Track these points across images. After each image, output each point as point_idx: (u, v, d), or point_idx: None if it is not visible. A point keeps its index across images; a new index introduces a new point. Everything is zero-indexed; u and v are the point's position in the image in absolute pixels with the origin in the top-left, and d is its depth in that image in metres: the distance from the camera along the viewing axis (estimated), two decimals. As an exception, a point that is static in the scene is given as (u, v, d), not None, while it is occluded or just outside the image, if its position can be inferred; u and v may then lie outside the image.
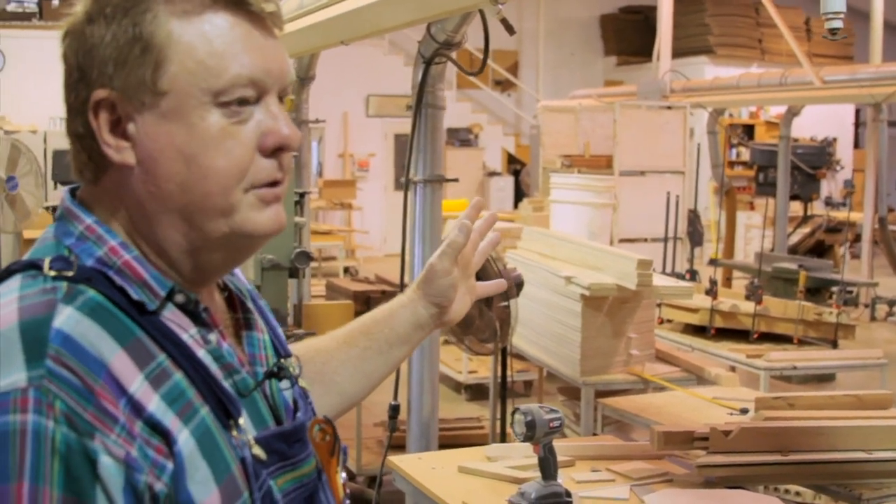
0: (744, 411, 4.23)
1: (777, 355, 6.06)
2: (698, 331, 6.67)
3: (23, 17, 15.95)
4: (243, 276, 1.63)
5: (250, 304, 1.53)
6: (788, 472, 3.39)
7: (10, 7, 15.90)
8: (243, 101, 1.31)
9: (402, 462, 3.61)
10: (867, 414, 3.77)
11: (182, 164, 1.29)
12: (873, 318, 11.94)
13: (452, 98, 17.29)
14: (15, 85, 15.61)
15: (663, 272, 7.68)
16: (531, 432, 2.87)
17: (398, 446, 4.37)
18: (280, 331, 1.61)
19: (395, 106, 18.22)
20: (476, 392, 8.60)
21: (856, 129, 20.32)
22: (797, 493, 5.09)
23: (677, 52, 13.87)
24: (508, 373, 4.89)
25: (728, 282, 10.79)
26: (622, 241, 9.46)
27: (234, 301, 1.50)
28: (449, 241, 1.79)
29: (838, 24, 2.60)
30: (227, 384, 1.34)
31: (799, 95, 10.30)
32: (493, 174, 18.97)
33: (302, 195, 5.98)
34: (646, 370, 5.47)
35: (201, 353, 1.32)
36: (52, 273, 1.27)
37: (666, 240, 8.57)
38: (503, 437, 4.91)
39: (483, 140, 19.41)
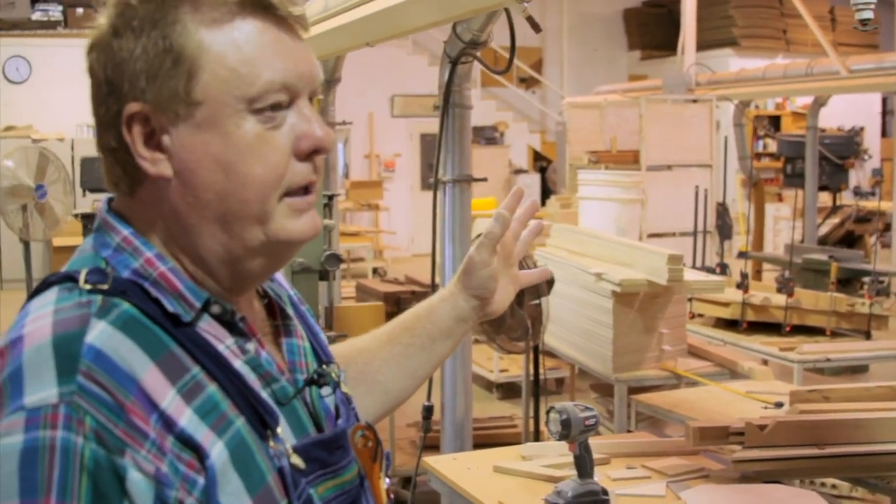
0: (778, 405, 4.21)
1: (810, 347, 6.03)
2: (730, 325, 6.63)
3: (48, 26, 16.03)
4: (286, 281, 1.62)
5: (290, 311, 1.52)
6: (825, 465, 3.36)
7: (36, 16, 15.98)
8: (277, 107, 1.31)
9: (437, 463, 3.61)
10: (903, 405, 3.75)
11: (220, 173, 1.29)
12: (905, 308, 11.86)
13: (477, 96, 17.29)
14: (41, 93, 15.71)
15: (693, 266, 7.64)
16: (567, 431, 2.87)
17: (432, 447, 4.37)
18: (322, 336, 1.60)
19: (419, 106, 18.23)
20: (507, 391, 8.60)
21: (883, 117, 20.21)
22: (833, 486, 5.07)
23: (701, 45, 13.82)
24: (540, 371, 4.87)
25: (758, 274, 10.74)
26: (650, 235, 9.43)
27: (273, 308, 1.49)
28: (486, 233, 1.77)
29: (869, 14, 2.59)
30: (264, 393, 1.33)
31: (825, 85, 10.24)
32: (519, 172, 18.94)
33: (330, 197, 5.98)
34: (678, 365, 5.45)
35: (238, 364, 1.32)
36: (88, 286, 1.27)
37: (695, 234, 8.53)
38: (537, 436, 4.90)
39: (508, 138, 19.39)
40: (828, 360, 6.03)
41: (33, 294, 1.32)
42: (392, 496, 1.53)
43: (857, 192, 16.97)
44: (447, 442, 4.05)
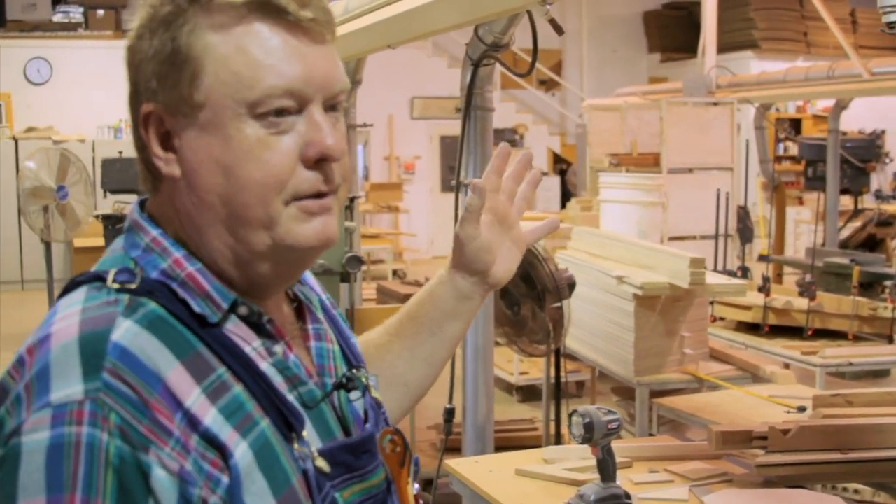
0: (801, 409, 4.20)
1: (832, 352, 6.00)
2: (751, 328, 6.61)
3: (69, 28, 16.12)
4: (318, 285, 1.62)
5: (321, 315, 1.52)
6: (848, 470, 3.35)
7: (57, 18, 16.06)
8: (282, 112, 1.30)
9: (459, 465, 3.60)
10: (927, 410, 3.73)
11: (221, 175, 1.30)
12: (928, 312, 11.77)
13: (497, 98, 17.20)
14: (62, 95, 15.79)
15: (714, 269, 7.62)
16: (589, 434, 2.86)
17: (452, 449, 4.36)
18: (353, 340, 1.60)
19: (439, 108, 18.23)
20: (528, 393, 8.59)
21: (904, 121, 20.12)
22: (855, 491, 5.05)
23: (722, 48, 13.77)
24: (561, 374, 4.87)
25: (779, 278, 10.70)
26: (671, 239, 9.41)
27: (303, 312, 1.49)
28: (466, 206, 1.73)
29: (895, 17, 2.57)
30: (291, 396, 1.34)
31: (847, 88, 10.18)
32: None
33: (352, 200, 5.99)
34: (700, 369, 5.44)
35: (264, 366, 1.32)
36: (116, 286, 1.28)
37: (716, 237, 8.51)
38: (558, 439, 4.89)
39: (528, 140, 19.36)
40: (850, 364, 6.01)
41: (63, 293, 1.33)
42: (421, 502, 1.52)
43: (879, 196, 16.89)
44: (468, 444, 4.04)
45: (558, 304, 4.47)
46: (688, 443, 3.75)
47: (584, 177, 12.79)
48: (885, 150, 17.07)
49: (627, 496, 2.96)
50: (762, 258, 9.90)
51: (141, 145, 1.36)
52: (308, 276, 1.61)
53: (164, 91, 1.31)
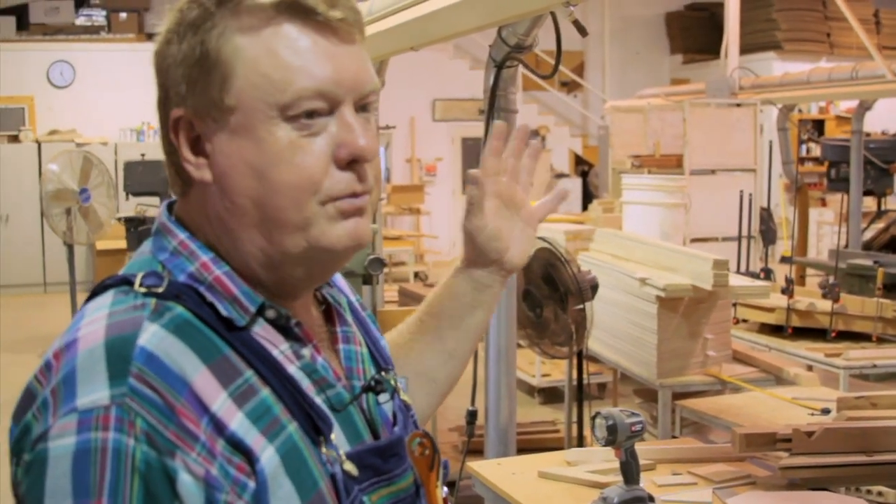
0: (825, 411, 4.18)
1: (856, 353, 5.98)
2: (775, 330, 6.58)
3: (91, 31, 16.19)
4: (348, 287, 1.62)
5: (349, 317, 1.52)
6: (873, 472, 3.33)
7: (79, 21, 16.13)
8: (314, 114, 1.29)
9: (482, 468, 3.60)
10: (952, 412, 3.71)
11: (253, 179, 1.29)
12: (951, 314, 11.71)
13: (519, 100, 17.24)
14: (85, 98, 15.87)
15: (737, 271, 7.60)
16: (613, 436, 2.85)
17: (474, 451, 4.36)
18: (383, 343, 1.60)
19: (461, 110, 18.22)
20: (549, 395, 8.59)
21: (928, 121, 20.03)
22: (879, 493, 5.01)
23: (744, 49, 13.74)
24: (584, 376, 4.86)
25: (801, 279, 10.67)
26: (693, 240, 9.39)
27: (332, 314, 1.49)
28: (467, 199, 1.73)
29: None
30: (318, 399, 1.33)
31: (871, 89, 10.14)
32: (560, 176, 18.88)
33: (374, 202, 5.98)
34: (723, 371, 5.43)
35: (292, 369, 1.32)
36: (143, 290, 1.28)
37: (739, 238, 8.49)
38: (580, 441, 4.88)
39: (550, 142, 19.33)
40: (874, 366, 5.98)
41: (90, 296, 1.33)
42: None
43: (902, 197, 16.81)
44: (491, 447, 4.04)
45: (581, 306, 4.46)
46: (711, 445, 3.74)
47: (606, 178, 12.77)
48: (909, 151, 16.97)
49: (651, 498, 2.96)
50: (785, 260, 9.86)
51: (171, 150, 1.36)
52: (337, 277, 1.61)
53: (194, 95, 1.31)
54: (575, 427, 5.05)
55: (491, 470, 3.58)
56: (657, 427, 5.52)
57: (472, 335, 1.80)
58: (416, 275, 15.23)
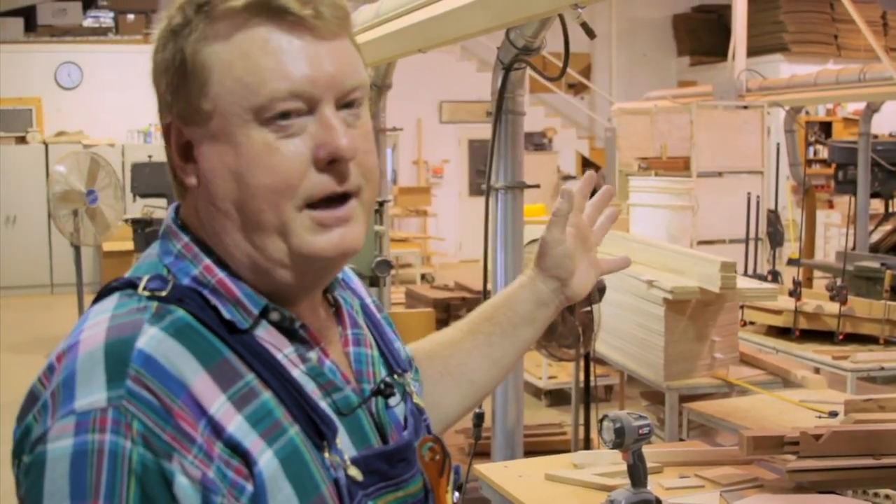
0: (833, 414, 4.17)
1: (863, 356, 5.96)
2: (782, 332, 6.57)
3: (99, 32, 16.20)
4: (363, 289, 1.62)
5: (361, 320, 1.51)
6: (880, 476, 3.32)
7: (87, 22, 16.15)
8: (289, 115, 1.28)
9: (489, 470, 3.60)
10: (960, 415, 3.70)
11: (233, 183, 1.29)
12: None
13: (526, 102, 17.24)
14: (92, 99, 15.87)
15: (744, 273, 7.59)
16: (620, 439, 2.84)
17: (481, 453, 4.36)
18: (397, 346, 1.60)
19: (467, 112, 18.23)
20: (556, 398, 8.57)
21: (936, 123, 20.00)
22: (886, 497, 5.01)
23: (752, 51, 13.73)
24: (591, 378, 4.85)
25: (809, 282, 10.65)
26: (700, 243, 9.39)
27: (342, 316, 1.49)
28: (554, 210, 1.76)
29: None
30: (324, 403, 1.33)
31: (879, 91, 10.14)
32: (567, 178, 18.88)
33: (381, 204, 5.99)
34: (730, 373, 5.42)
35: (296, 373, 1.32)
36: (146, 293, 1.28)
37: (747, 241, 8.48)
38: (587, 444, 4.88)
39: (557, 144, 19.34)
40: (881, 368, 5.96)
41: (97, 299, 1.33)
42: None
43: (909, 199, 16.78)
44: (498, 449, 4.03)
45: (588, 309, 4.45)
46: (718, 448, 3.74)
47: (614, 181, 12.75)
48: (917, 153, 16.94)
49: (658, 501, 2.95)
50: (792, 262, 9.85)
51: (168, 154, 1.36)
52: (353, 278, 1.62)
53: (178, 102, 1.31)
54: (582, 429, 5.05)
55: (498, 472, 3.57)
56: (664, 429, 5.51)
57: (519, 348, 1.82)
58: (423, 277, 15.24)
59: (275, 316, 1.33)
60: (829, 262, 10.74)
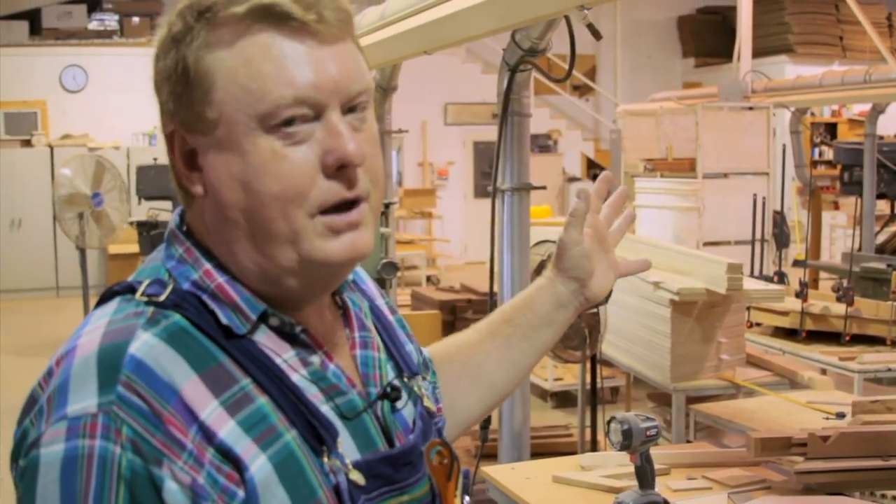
0: (840, 416, 4.16)
1: (870, 357, 5.96)
2: (788, 334, 6.56)
3: (104, 35, 16.21)
4: (375, 289, 1.61)
5: (369, 322, 1.50)
6: (889, 477, 3.32)
7: (92, 25, 16.16)
8: (295, 121, 1.26)
9: (496, 472, 3.60)
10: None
11: (241, 192, 1.28)
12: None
13: (531, 104, 17.25)
14: (97, 102, 15.88)
15: (751, 275, 7.58)
16: (628, 441, 2.84)
17: (488, 455, 4.35)
18: (409, 348, 1.58)
19: (472, 114, 18.23)
20: (562, 399, 8.57)
21: (942, 125, 19.96)
22: (894, 498, 5.00)
23: (757, 52, 13.71)
24: (597, 380, 4.85)
25: (815, 283, 10.64)
26: (706, 244, 9.38)
27: (350, 319, 1.48)
28: (571, 211, 1.76)
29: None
30: (325, 408, 1.32)
31: (884, 92, 10.12)
32: (572, 180, 18.89)
33: (387, 205, 5.98)
34: (737, 375, 5.42)
35: (296, 377, 1.31)
36: (144, 298, 1.28)
37: (753, 242, 8.47)
38: (594, 445, 4.87)
39: (562, 145, 19.34)
40: (888, 369, 5.96)
41: (99, 303, 1.33)
42: None
43: (915, 200, 16.75)
44: (504, 451, 4.03)
45: (594, 310, 4.45)
46: (726, 449, 3.73)
47: (619, 182, 12.74)
48: (922, 155, 16.92)
49: (666, 503, 2.94)
50: (798, 263, 9.84)
51: (172, 164, 1.36)
52: (365, 280, 1.61)
53: (181, 110, 1.30)
54: (588, 431, 5.04)
55: (505, 474, 3.57)
56: (671, 431, 5.51)
57: (538, 350, 1.82)
58: (429, 278, 15.23)
59: (274, 321, 1.33)
60: (835, 263, 10.73)
